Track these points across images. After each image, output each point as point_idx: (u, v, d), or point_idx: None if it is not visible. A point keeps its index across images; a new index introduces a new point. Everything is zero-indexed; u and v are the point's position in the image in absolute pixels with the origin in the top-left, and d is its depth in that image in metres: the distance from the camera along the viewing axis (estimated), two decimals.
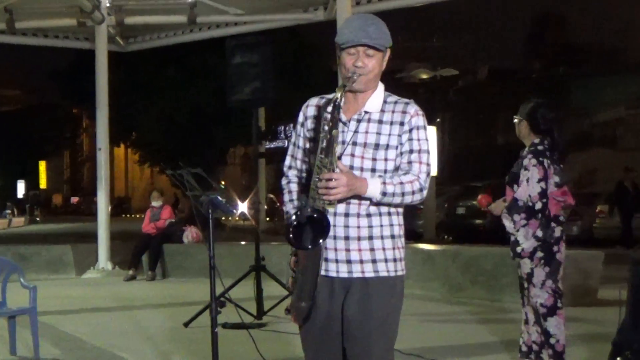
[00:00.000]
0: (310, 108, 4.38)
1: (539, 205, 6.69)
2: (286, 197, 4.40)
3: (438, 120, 45.46)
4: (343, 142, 4.20)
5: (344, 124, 4.22)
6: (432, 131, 28.47)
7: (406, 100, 4.32)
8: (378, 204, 4.19)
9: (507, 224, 6.78)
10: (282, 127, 56.75)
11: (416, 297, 12.47)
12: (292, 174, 4.44)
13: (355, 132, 4.22)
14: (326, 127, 4.01)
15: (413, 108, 4.26)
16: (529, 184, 6.73)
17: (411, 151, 4.24)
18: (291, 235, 4.00)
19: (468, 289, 12.75)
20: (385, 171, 4.22)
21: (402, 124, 4.24)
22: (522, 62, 67.52)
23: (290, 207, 4.33)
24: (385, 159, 4.23)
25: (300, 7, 17.99)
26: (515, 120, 7.06)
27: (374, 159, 4.21)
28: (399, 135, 4.23)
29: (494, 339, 9.18)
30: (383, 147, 4.22)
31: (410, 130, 4.24)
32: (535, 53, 63.50)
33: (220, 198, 5.71)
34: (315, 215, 3.99)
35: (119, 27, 18.37)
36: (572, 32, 63.14)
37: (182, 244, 16.84)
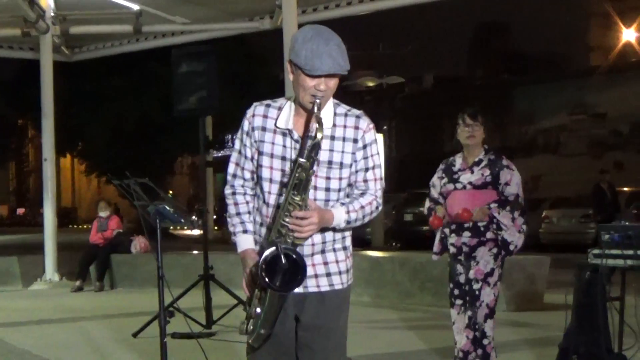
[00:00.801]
0: (257, 118, 4.23)
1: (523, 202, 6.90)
2: (232, 210, 4.29)
3: (385, 127, 45.75)
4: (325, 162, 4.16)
5: (296, 141, 4.16)
6: (379, 139, 28.59)
7: (357, 112, 4.24)
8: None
9: (506, 221, 6.85)
10: (230, 136, 56.59)
11: (365, 304, 12.53)
12: (237, 184, 4.31)
13: (321, 150, 4.12)
14: (301, 164, 3.97)
15: (365, 122, 4.20)
16: (518, 181, 6.91)
17: (366, 169, 4.22)
18: (264, 274, 3.91)
19: (416, 296, 12.84)
20: (339, 190, 4.19)
21: (355, 140, 4.19)
22: (466, 70, 68.08)
23: (237, 222, 4.24)
24: (340, 178, 4.20)
25: (246, 16, 18.00)
26: (477, 126, 7.03)
27: (328, 178, 4.17)
28: (353, 153, 4.19)
29: (441, 345, 9.24)
30: (337, 165, 4.17)
31: (364, 147, 4.20)
32: (479, 61, 64.04)
33: (168, 208, 5.72)
34: (294, 256, 3.95)
35: (63, 37, 18.26)
36: (515, 40, 63.78)
37: (130, 254, 16.76)
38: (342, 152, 4.18)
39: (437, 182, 7.19)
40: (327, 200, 4.17)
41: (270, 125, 4.19)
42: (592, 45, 63.84)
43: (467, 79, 62.02)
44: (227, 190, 4.33)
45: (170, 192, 54.24)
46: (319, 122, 4.00)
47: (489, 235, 6.91)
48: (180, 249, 20.05)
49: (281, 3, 15.44)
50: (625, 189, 27.80)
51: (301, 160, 3.98)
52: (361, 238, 28.14)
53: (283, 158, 4.16)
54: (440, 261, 12.46)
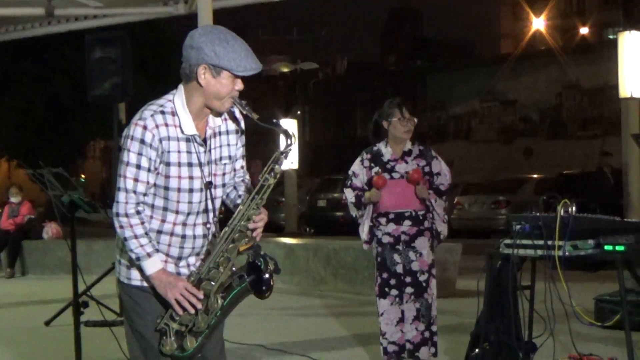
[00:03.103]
0: (161, 128, 4.01)
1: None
2: (139, 230, 4.02)
3: (298, 112, 45.77)
4: (208, 163, 4.15)
5: (200, 145, 4.12)
6: (292, 124, 28.71)
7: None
8: None
9: (440, 211, 6.95)
10: None
11: (278, 290, 12.49)
12: (137, 201, 4.04)
13: (209, 150, 4.15)
14: (271, 175, 4.02)
15: (237, 110, 4.22)
16: (447, 172, 7.07)
17: (243, 156, 4.32)
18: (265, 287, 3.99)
19: (329, 283, 12.93)
20: (227, 184, 4.26)
21: (237, 131, 4.25)
22: (379, 56, 68.45)
23: (146, 242, 4.01)
24: (230, 172, 4.27)
25: (161, 0, 17.85)
26: (413, 120, 7.04)
27: (224, 174, 4.23)
28: (236, 144, 4.26)
29: (355, 332, 9.34)
30: (228, 160, 4.24)
31: (242, 134, 4.28)
32: (392, 47, 64.48)
33: (82, 198, 5.68)
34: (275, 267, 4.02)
35: None
36: (428, 26, 64.30)
37: (42, 240, 16.58)
38: (231, 145, 4.24)
39: (362, 171, 7.11)
40: (220, 197, 4.24)
41: (173, 134, 4.04)
42: (502, 32, 64.72)
43: (380, 65, 62.41)
44: (130, 210, 4.02)
45: (83, 176, 53.65)
46: (247, 117, 4.06)
47: (427, 224, 6.98)
48: (93, 234, 19.87)
49: None
50: (535, 175, 28.25)
51: (277, 167, 4.03)
52: (275, 223, 28.25)
53: (189, 164, 4.08)
54: (351, 248, 12.68)
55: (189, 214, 4.12)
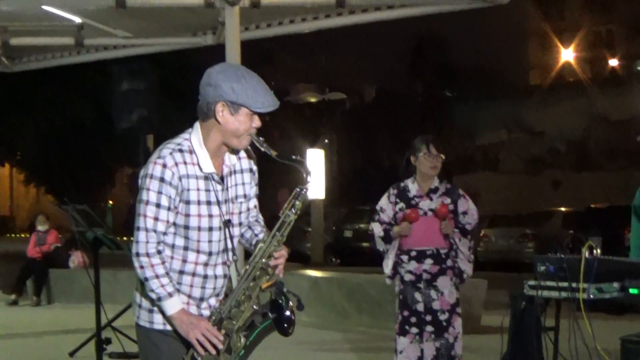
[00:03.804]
0: (181, 166, 4.02)
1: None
2: (160, 270, 3.99)
3: (326, 141, 45.72)
4: (225, 202, 4.15)
5: (218, 182, 4.12)
6: (320, 154, 28.72)
7: None
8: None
9: (464, 249, 6.92)
10: None
11: (301, 324, 12.49)
12: (157, 240, 4.02)
13: (226, 188, 4.16)
14: (292, 211, 4.04)
15: (249, 149, 4.25)
16: (474, 211, 7.03)
17: (256, 195, 4.33)
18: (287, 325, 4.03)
19: (353, 316, 12.87)
20: (242, 223, 4.26)
21: (250, 170, 4.27)
22: (408, 85, 68.37)
23: (166, 282, 3.98)
24: (248, 209, 4.29)
25: (189, 31, 17.94)
26: (440, 157, 7.03)
27: (240, 212, 4.23)
28: (250, 183, 4.28)
29: None
30: (244, 198, 4.24)
31: (254, 174, 4.30)
32: (420, 76, 64.39)
33: (106, 235, 5.69)
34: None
35: (3, 48, 18.04)
36: (456, 56, 64.23)
37: (68, 268, 16.62)
38: (246, 183, 4.25)
39: (389, 206, 7.09)
40: (237, 236, 4.24)
41: (192, 172, 4.04)
42: (531, 63, 64.59)
43: (408, 94, 62.30)
44: (151, 249, 4.00)
45: (111, 202, 53.84)
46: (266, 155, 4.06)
47: (449, 262, 6.94)
48: (118, 261, 19.91)
49: (224, 20, 15.41)
50: (562, 208, 28.09)
51: (297, 203, 4.05)
52: (301, 253, 28.22)
53: (208, 203, 4.08)
54: (376, 282, 12.63)
55: (210, 253, 4.10)
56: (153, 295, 4.00)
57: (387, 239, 7.05)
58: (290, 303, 4.01)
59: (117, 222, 56.63)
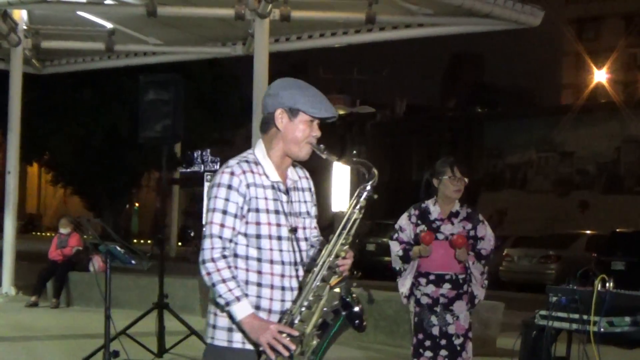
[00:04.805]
0: (248, 175, 4.09)
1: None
2: (226, 273, 3.99)
3: (354, 153, 45.73)
4: (290, 214, 4.19)
5: (284, 193, 4.19)
6: (346, 167, 28.69)
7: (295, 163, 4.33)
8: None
9: (476, 274, 6.89)
10: (199, 153, 56.73)
11: None
12: (223, 246, 4.05)
13: (291, 201, 4.21)
14: (356, 209, 4.08)
15: (305, 170, 4.34)
16: (491, 237, 6.97)
17: (316, 215, 4.35)
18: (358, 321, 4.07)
19: (370, 334, 12.83)
20: (308, 239, 4.28)
21: (310, 189, 4.32)
22: (438, 100, 68.34)
23: (234, 286, 3.97)
24: (311, 227, 4.31)
25: (219, 41, 18.09)
26: (464, 180, 6.97)
27: (304, 228, 4.26)
28: (311, 202, 4.32)
29: None
30: (307, 215, 4.28)
31: (314, 195, 4.35)
32: (452, 91, 64.42)
33: (118, 248, 5.73)
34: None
35: (35, 50, 18.23)
36: (488, 73, 64.26)
37: (88, 272, 16.68)
38: (307, 202, 4.29)
39: (409, 226, 7.04)
40: (305, 250, 4.25)
41: (259, 181, 4.10)
42: (563, 83, 64.43)
43: (439, 109, 62.30)
44: (216, 254, 4.02)
45: (137, 204, 54.15)
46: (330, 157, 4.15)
47: (466, 288, 6.91)
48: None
49: (254, 31, 15.50)
50: (587, 231, 27.94)
51: (362, 201, 4.11)
52: None
53: (276, 212, 4.12)
54: (393, 300, 12.59)
55: (282, 262, 4.12)
56: (221, 301, 3.99)
57: (406, 258, 7.01)
58: (357, 299, 4.04)
59: (143, 225, 56.96)
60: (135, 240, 46.03)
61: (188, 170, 52.23)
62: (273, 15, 15.05)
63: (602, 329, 5.69)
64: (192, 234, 49.88)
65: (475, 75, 67.00)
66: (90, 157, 34.58)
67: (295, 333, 3.94)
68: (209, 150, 58.19)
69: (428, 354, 6.90)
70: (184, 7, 15.98)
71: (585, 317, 5.81)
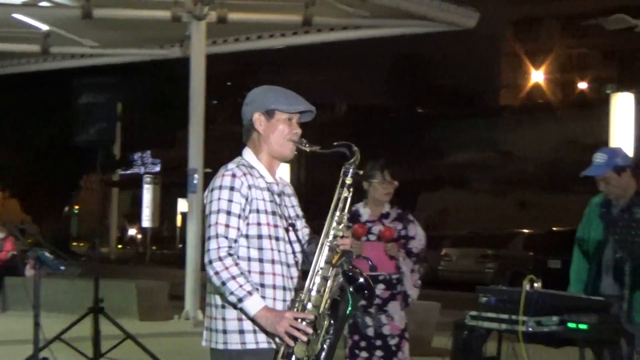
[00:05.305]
0: (248, 177, 4.17)
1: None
2: (234, 270, 4.02)
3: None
4: (282, 216, 4.26)
5: (278, 195, 4.29)
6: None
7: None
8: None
9: (405, 269, 6.92)
10: (140, 155, 56.36)
11: None
12: (229, 245, 4.08)
13: (284, 205, 4.31)
14: (344, 187, 4.19)
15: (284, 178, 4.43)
16: (422, 237, 7.04)
17: (302, 215, 4.46)
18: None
19: None
20: (300, 240, 4.34)
21: (295, 195, 4.44)
22: (380, 101, 68.46)
23: (244, 281, 4.01)
24: (302, 228, 4.39)
25: (157, 43, 18.01)
26: (394, 183, 7.03)
27: (296, 230, 4.34)
28: (297, 204, 4.43)
29: None
30: (300, 217, 4.40)
31: (296, 197, 4.46)
32: (394, 93, 64.55)
33: (47, 254, 5.70)
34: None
35: None
36: (429, 74, 64.44)
37: (24, 277, 16.51)
38: (295, 206, 4.40)
39: None
40: (298, 252, 4.32)
41: (257, 182, 4.19)
42: (502, 84, 64.96)
43: (381, 111, 62.40)
44: (222, 253, 4.05)
45: (76, 207, 53.60)
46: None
47: (399, 288, 6.95)
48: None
49: (191, 33, 15.45)
50: (525, 230, 28.23)
51: (348, 179, 4.21)
52: None
53: (273, 213, 4.21)
54: None
55: (280, 263, 4.18)
56: (233, 299, 4.02)
57: None
58: (358, 270, 4.12)
59: (83, 228, 56.43)
60: (75, 243, 45.61)
61: (128, 172, 51.87)
62: (210, 17, 15.02)
63: (530, 329, 5.75)
64: (132, 236, 49.63)
65: (418, 78, 67.17)
66: (28, 160, 34.25)
67: (311, 317, 4.01)
68: (149, 152, 57.85)
69: (364, 354, 6.93)
70: (120, 9, 15.89)
71: (514, 317, 5.86)
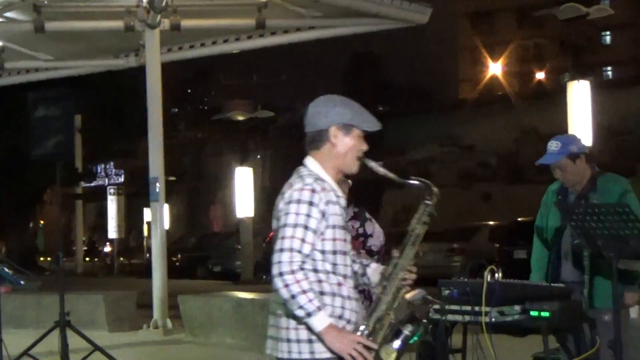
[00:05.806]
0: (325, 193, 4.18)
1: None
2: (305, 285, 4.05)
3: (258, 157, 45.62)
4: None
5: (344, 208, 4.34)
6: (248, 172, 28.78)
7: None
8: None
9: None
10: (103, 166, 56.16)
11: (227, 346, 12.54)
12: (300, 260, 4.10)
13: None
14: (421, 224, 4.41)
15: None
16: (381, 234, 7.11)
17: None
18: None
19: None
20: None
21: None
22: None
23: (312, 296, 4.04)
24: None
25: (112, 53, 17.96)
26: (349, 182, 7.08)
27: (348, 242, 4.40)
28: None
29: None
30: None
31: None
32: (352, 91, 64.71)
33: (6, 270, 5.68)
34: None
35: None
36: (387, 71, 64.70)
37: None
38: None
39: None
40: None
41: (331, 197, 4.21)
42: (460, 78, 65.27)
43: None
44: (295, 266, 4.05)
45: (42, 221, 53.30)
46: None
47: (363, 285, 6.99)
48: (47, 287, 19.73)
49: (145, 42, 15.42)
50: (490, 222, 28.33)
51: (425, 217, 4.45)
52: (232, 271, 28.16)
53: (343, 227, 4.25)
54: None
55: (349, 277, 4.26)
56: (301, 313, 4.02)
57: None
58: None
59: (49, 243, 56.11)
60: (42, 258, 45.26)
61: (92, 184, 51.67)
62: (163, 25, 14.99)
63: (493, 319, 5.79)
64: (99, 248, 49.34)
65: (375, 75, 67.36)
66: None
67: (374, 346, 4.08)
68: (112, 163, 57.64)
69: None
70: (72, 21, 15.82)
71: (477, 308, 5.90)
